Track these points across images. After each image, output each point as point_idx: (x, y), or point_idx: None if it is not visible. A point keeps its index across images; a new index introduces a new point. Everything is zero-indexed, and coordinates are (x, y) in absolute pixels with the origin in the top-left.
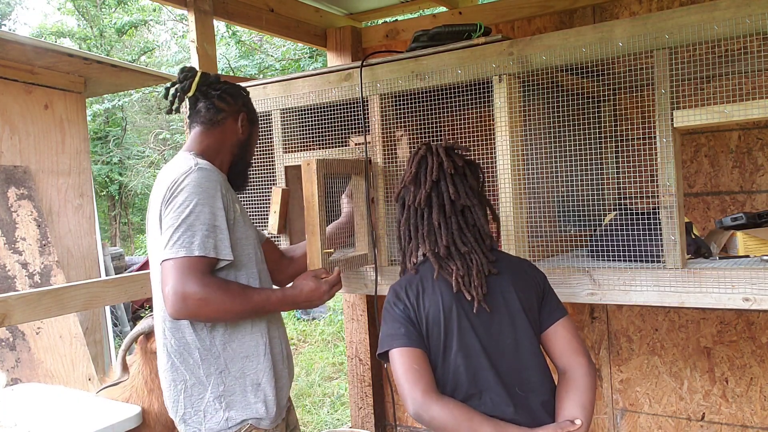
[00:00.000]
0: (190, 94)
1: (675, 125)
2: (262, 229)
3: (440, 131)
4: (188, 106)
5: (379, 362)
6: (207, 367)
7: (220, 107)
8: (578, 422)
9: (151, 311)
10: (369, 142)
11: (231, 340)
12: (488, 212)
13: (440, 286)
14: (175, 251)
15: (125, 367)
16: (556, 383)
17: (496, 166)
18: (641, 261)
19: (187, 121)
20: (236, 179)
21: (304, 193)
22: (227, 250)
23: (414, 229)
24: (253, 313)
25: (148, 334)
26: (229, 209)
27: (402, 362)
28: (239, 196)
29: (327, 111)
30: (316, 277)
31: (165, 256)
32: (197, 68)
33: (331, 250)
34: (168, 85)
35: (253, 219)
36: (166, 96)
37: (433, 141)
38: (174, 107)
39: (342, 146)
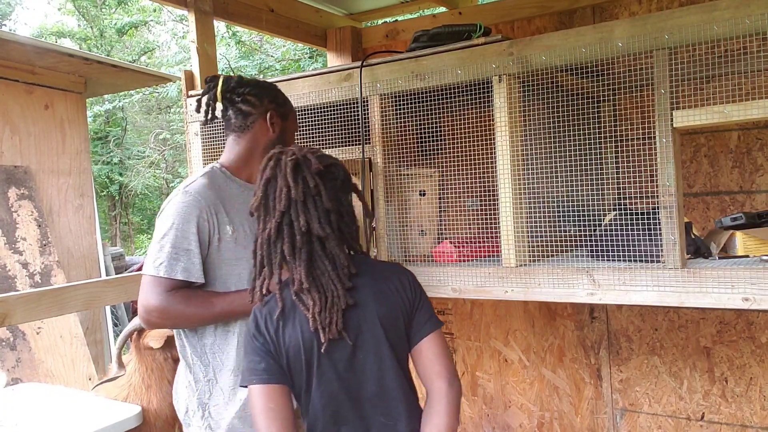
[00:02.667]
0: (219, 101)
1: (674, 125)
2: None
3: (440, 131)
4: (221, 115)
5: None
6: (196, 373)
7: (246, 111)
8: None
9: None
10: (368, 142)
11: (221, 351)
12: (363, 212)
13: (300, 319)
14: (147, 268)
15: (121, 363)
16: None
17: (496, 166)
18: (641, 261)
19: (187, 120)
20: None
21: None
22: (199, 273)
23: (267, 258)
24: (220, 317)
25: (140, 331)
26: (213, 231)
27: (258, 401)
28: None
29: (327, 111)
30: None
31: (143, 270)
32: (220, 74)
33: None
34: (198, 97)
35: None
36: (198, 109)
37: (296, 146)
38: (209, 118)
39: (342, 146)
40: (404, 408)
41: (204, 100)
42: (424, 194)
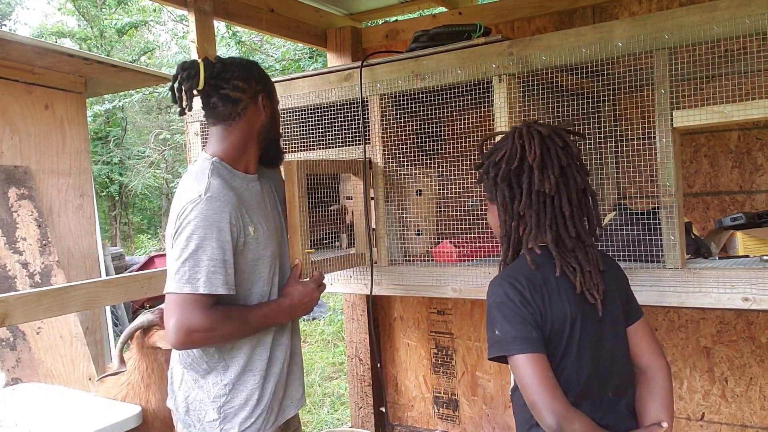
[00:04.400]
0: (200, 87)
1: (675, 125)
2: None
3: (440, 131)
4: (201, 102)
5: (378, 362)
6: (209, 375)
7: (235, 98)
8: (665, 425)
9: (150, 308)
10: (368, 142)
11: (238, 351)
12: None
13: (564, 290)
14: (179, 286)
15: (122, 360)
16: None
17: None
18: (641, 261)
19: (187, 119)
20: (273, 161)
21: (286, 194)
22: (233, 283)
23: (536, 217)
24: (255, 331)
25: (146, 329)
26: (240, 235)
27: (536, 370)
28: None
29: (327, 111)
30: (300, 280)
31: (169, 289)
32: (198, 59)
33: (312, 251)
34: (170, 84)
35: None
36: (174, 99)
37: (531, 121)
38: (186, 106)
39: (342, 146)
40: (627, 385)
41: (183, 88)
42: (420, 193)
